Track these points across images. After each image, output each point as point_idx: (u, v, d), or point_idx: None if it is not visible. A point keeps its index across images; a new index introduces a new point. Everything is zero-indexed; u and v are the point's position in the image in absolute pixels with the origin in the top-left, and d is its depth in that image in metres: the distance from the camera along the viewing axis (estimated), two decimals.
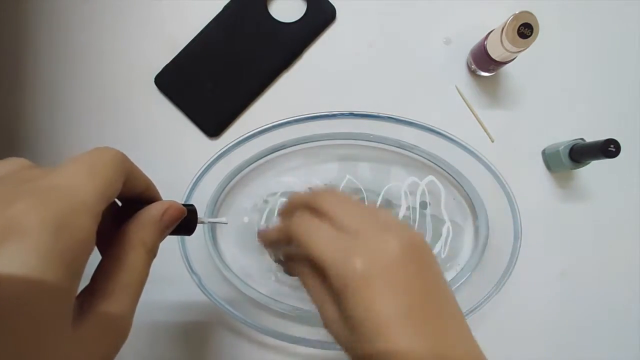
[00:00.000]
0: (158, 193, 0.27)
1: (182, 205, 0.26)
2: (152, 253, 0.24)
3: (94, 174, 0.20)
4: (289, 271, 0.32)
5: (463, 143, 0.42)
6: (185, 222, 0.27)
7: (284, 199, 0.42)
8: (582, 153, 0.42)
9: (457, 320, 0.25)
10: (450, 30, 0.46)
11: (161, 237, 0.25)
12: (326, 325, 0.27)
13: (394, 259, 0.24)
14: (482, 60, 0.43)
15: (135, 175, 0.24)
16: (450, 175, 0.45)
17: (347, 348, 0.26)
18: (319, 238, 0.26)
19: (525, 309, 0.46)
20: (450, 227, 0.43)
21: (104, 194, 0.20)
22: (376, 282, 0.24)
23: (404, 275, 0.24)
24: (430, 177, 0.43)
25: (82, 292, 0.21)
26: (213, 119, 0.45)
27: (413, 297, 0.24)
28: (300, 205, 0.30)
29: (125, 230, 0.23)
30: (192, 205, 0.29)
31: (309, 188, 0.43)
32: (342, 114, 0.42)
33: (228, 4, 0.45)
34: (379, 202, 0.42)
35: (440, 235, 0.43)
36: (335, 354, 0.44)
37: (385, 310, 0.23)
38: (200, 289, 0.41)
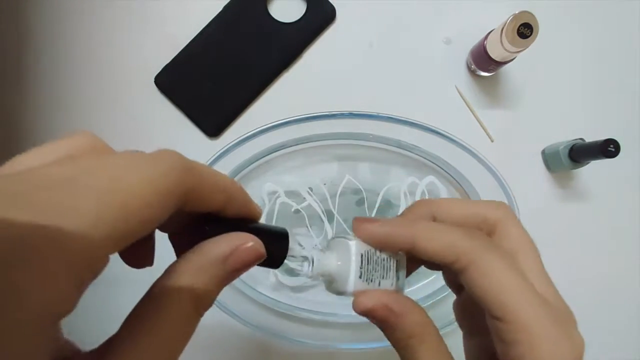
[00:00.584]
0: (254, 210, 0.20)
1: (260, 245, 0.18)
2: (202, 306, 0.17)
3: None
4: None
5: (463, 143, 0.42)
6: (269, 256, 0.19)
7: (283, 200, 0.42)
8: (581, 153, 0.42)
9: None
10: (450, 30, 0.46)
11: (222, 285, 0.18)
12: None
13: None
14: (482, 60, 0.43)
15: (203, 189, 0.17)
16: (450, 175, 0.45)
17: None
18: (529, 296, 0.19)
19: None
20: None
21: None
22: None
23: None
24: (431, 178, 0.43)
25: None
26: (213, 119, 0.45)
27: None
28: (460, 213, 0.22)
29: (172, 268, 0.17)
30: (282, 230, 0.20)
31: (309, 189, 0.43)
32: (342, 114, 0.42)
33: (228, 4, 0.45)
34: (378, 202, 0.42)
35: None
36: (334, 353, 0.44)
37: None
38: None
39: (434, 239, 0.20)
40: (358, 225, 0.22)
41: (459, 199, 0.26)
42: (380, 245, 0.22)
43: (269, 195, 0.43)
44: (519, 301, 0.19)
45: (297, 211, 0.42)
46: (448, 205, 0.23)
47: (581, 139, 0.44)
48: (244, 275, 0.44)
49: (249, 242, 0.18)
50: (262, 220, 0.43)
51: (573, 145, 0.43)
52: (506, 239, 0.22)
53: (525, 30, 0.37)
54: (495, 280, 0.19)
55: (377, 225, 0.21)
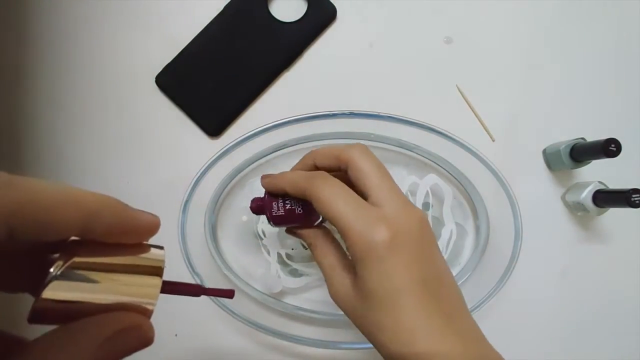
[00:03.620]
0: (140, 224, 0.18)
1: (149, 328, 0.16)
2: None
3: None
4: (294, 231, 0.33)
5: (464, 142, 0.42)
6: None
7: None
8: (582, 152, 0.42)
9: (456, 290, 0.28)
10: (450, 29, 0.46)
11: None
12: (333, 293, 0.29)
13: (415, 233, 0.26)
14: None
15: (36, 207, 0.14)
16: (451, 174, 0.45)
17: (355, 316, 0.28)
18: (345, 205, 0.26)
19: (526, 308, 0.46)
20: (454, 230, 0.42)
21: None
22: (398, 253, 0.25)
23: (421, 249, 0.26)
24: (435, 179, 0.43)
25: None
26: (214, 118, 0.45)
27: (427, 269, 0.26)
28: (326, 158, 0.31)
29: (47, 346, 0.15)
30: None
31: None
32: (343, 114, 0.42)
33: (228, 3, 0.45)
34: None
35: (440, 236, 0.43)
36: (335, 353, 0.44)
37: (403, 280, 0.25)
38: None
39: (289, 183, 0.30)
40: (261, 179, 0.33)
41: (328, 146, 0.33)
42: (269, 189, 0.33)
43: None
44: (338, 211, 0.26)
45: None
46: (319, 152, 0.32)
47: (582, 138, 0.44)
48: (246, 275, 0.44)
49: (135, 323, 0.16)
50: (263, 222, 0.43)
51: (574, 144, 0.43)
52: (352, 169, 0.29)
53: None
54: (325, 202, 0.27)
55: (265, 179, 0.33)
